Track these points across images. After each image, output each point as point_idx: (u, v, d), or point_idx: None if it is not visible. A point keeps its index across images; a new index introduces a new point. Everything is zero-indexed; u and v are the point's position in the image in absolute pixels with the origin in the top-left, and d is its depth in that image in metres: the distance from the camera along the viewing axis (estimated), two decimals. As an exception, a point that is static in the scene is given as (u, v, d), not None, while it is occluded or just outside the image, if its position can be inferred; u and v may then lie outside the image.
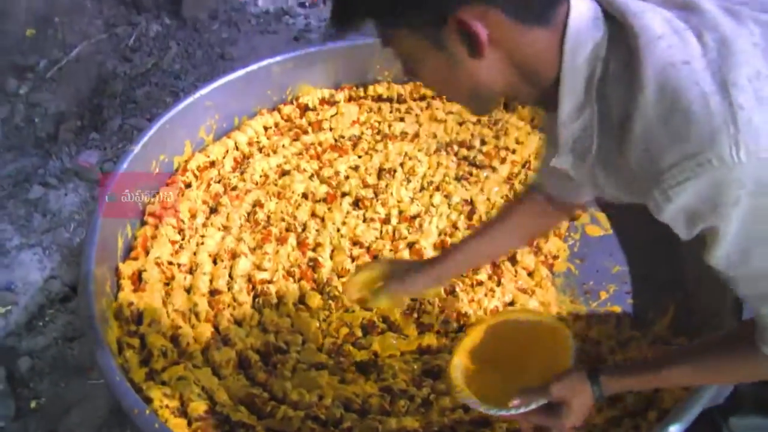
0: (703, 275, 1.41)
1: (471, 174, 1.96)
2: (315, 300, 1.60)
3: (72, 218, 2.60)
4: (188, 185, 1.90)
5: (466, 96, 0.83)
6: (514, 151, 2.00)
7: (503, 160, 1.98)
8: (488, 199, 1.87)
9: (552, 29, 0.73)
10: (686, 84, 0.66)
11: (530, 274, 1.66)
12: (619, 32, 0.72)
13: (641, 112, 0.68)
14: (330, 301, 1.59)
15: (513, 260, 1.69)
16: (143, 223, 1.78)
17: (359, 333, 1.53)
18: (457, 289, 1.60)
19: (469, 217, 1.83)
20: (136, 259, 1.66)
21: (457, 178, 1.94)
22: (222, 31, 3.66)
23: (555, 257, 1.69)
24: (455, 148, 2.05)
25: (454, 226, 1.80)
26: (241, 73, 2.03)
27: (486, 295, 1.59)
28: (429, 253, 1.71)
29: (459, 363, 1.15)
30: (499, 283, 1.62)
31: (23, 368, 2.09)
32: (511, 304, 1.58)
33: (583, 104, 0.76)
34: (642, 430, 1.22)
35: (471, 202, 1.87)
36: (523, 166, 1.97)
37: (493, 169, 1.96)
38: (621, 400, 1.32)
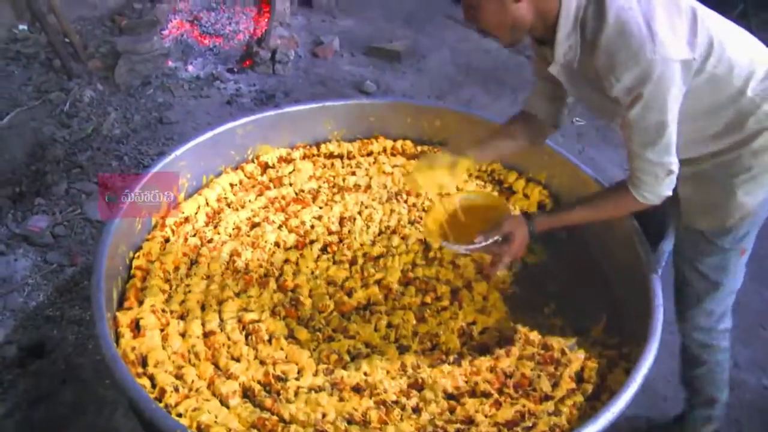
0: (628, 290, 1.80)
1: (421, 218, 2.24)
2: (303, 334, 1.79)
3: (25, 283, 2.61)
4: (167, 240, 2.05)
5: (508, 30, 1.41)
6: (455, 196, 2.32)
7: (447, 205, 2.29)
8: (440, 238, 2.16)
9: None
10: (630, 18, 1.30)
11: (485, 298, 1.94)
12: None
13: (605, 34, 1.32)
14: (317, 333, 1.79)
15: (469, 287, 1.97)
16: (130, 277, 1.90)
17: (347, 358, 1.73)
18: (426, 315, 1.86)
19: (426, 254, 2.11)
20: (130, 308, 1.78)
21: (410, 222, 2.22)
22: (156, 96, 3.81)
23: (503, 282, 1.99)
24: (404, 196, 2.34)
25: (414, 263, 2.07)
26: (209, 134, 2.22)
27: (451, 317, 1.86)
28: (396, 287, 1.96)
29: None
30: (460, 307, 1.89)
31: (-15, 438, 2.08)
32: (473, 323, 1.85)
33: (570, 32, 1.39)
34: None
35: (425, 242, 2.15)
36: (466, 209, 2.28)
37: (440, 213, 2.26)
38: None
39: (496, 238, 1.57)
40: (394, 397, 1.61)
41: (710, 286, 1.73)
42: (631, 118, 1.38)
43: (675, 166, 1.45)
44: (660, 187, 1.47)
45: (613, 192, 1.58)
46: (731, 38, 1.47)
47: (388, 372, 1.70)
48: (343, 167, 2.48)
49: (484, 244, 1.56)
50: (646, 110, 1.35)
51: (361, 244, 2.13)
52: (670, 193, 1.49)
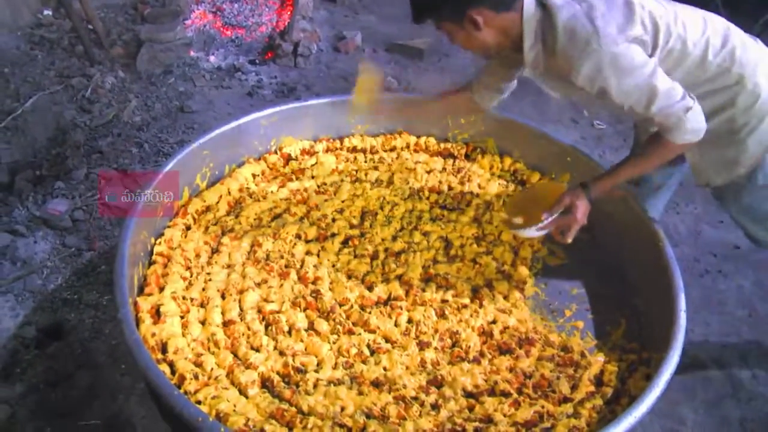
0: (651, 295, 1.78)
1: (443, 215, 2.23)
2: (323, 326, 1.78)
3: (44, 265, 2.62)
4: (188, 227, 2.05)
5: (479, 49, 1.64)
6: (477, 195, 2.31)
7: (469, 203, 2.28)
8: (461, 236, 2.14)
9: (515, 11, 1.55)
10: (575, 23, 1.48)
11: (506, 297, 1.93)
12: (543, 7, 1.54)
13: (559, 41, 1.51)
14: (338, 326, 1.78)
15: (490, 286, 1.96)
16: (151, 263, 1.90)
17: (367, 352, 1.72)
18: (447, 312, 1.84)
19: (447, 251, 2.09)
20: (150, 294, 1.78)
21: (432, 219, 2.21)
22: (178, 85, 3.81)
23: (524, 282, 1.98)
24: (426, 193, 2.33)
25: (435, 260, 2.06)
26: (233, 124, 2.22)
27: (471, 315, 1.84)
28: (417, 283, 1.95)
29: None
30: (481, 305, 1.88)
31: (2, 417, 2.09)
32: (493, 322, 1.83)
33: (534, 44, 1.59)
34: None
35: (446, 239, 2.14)
36: (487, 208, 2.27)
37: (462, 211, 2.25)
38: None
39: (559, 211, 1.74)
40: (413, 393, 1.61)
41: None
42: (615, 100, 1.53)
43: (689, 101, 1.52)
44: (689, 124, 1.54)
45: (654, 145, 1.66)
46: (678, 17, 1.60)
47: (407, 368, 1.69)
48: (365, 162, 2.47)
49: (551, 219, 1.73)
50: (619, 87, 1.50)
51: (383, 239, 2.12)
52: (704, 124, 1.57)
